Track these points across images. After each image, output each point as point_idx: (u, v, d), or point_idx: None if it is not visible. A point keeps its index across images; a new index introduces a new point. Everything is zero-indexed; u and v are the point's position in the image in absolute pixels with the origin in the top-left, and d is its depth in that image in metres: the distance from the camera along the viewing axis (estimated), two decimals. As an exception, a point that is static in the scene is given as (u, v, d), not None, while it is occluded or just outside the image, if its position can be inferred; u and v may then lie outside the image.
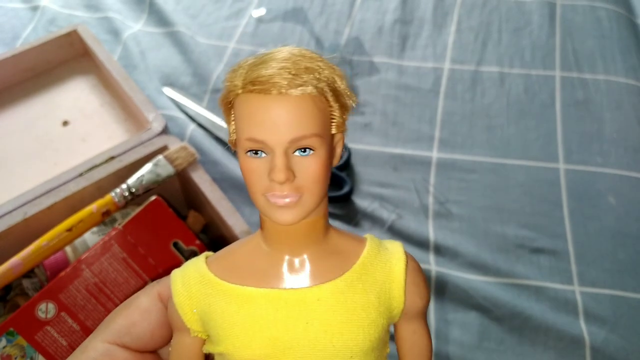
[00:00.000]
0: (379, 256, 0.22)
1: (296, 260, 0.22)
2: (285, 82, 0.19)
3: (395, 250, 0.23)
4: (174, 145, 0.51)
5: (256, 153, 0.20)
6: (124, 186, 0.46)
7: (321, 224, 0.22)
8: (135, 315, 0.25)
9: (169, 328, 0.25)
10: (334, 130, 0.21)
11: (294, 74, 0.19)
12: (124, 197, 0.46)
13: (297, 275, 0.21)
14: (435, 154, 0.68)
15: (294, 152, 0.20)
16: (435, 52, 0.79)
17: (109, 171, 0.49)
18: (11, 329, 0.42)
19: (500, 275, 0.58)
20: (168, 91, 0.72)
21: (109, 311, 0.41)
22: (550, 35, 0.81)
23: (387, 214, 0.63)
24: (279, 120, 0.19)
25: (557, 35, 0.81)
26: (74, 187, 0.48)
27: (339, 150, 0.22)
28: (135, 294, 0.26)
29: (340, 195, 0.63)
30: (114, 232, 0.45)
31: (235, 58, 0.78)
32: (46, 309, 0.43)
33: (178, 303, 0.23)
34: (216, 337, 0.22)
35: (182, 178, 0.54)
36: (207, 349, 0.24)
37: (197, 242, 0.47)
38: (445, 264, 0.59)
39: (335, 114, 0.21)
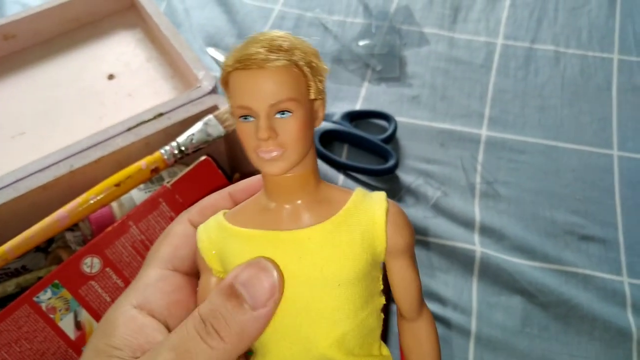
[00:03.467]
0: (363, 203, 0.26)
1: (291, 208, 0.26)
2: (262, 58, 0.23)
3: (378, 198, 0.27)
4: (224, 105, 0.50)
5: (246, 118, 0.24)
6: (173, 144, 0.45)
7: (311, 177, 0.26)
8: (175, 241, 0.29)
9: None
10: (312, 96, 0.25)
11: (269, 51, 0.24)
12: (174, 155, 0.45)
13: (292, 220, 0.26)
14: (484, 132, 0.66)
15: (275, 115, 0.24)
16: (488, 27, 0.76)
17: (157, 128, 0.48)
18: (56, 281, 0.41)
19: (547, 260, 0.56)
20: (212, 52, 0.70)
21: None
22: (610, 16, 0.77)
23: (432, 191, 0.61)
24: (260, 89, 0.24)
25: (616, 17, 0.77)
26: (121, 141, 0.46)
27: (320, 114, 0.26)
28: (169, 226, 0.29)
29: (385, 168, 0.61)
30: (162, 190, 0.43)
31: (281, 21, 0.76)
32: (91, 264, 0.42)
33: (201, 248, 0.27)
34: (230, 271, 0.27)
35: (228, 140, 0.52)
36: None
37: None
38: (490, 246, 0.57)
39: (310, 82, 0.25)
